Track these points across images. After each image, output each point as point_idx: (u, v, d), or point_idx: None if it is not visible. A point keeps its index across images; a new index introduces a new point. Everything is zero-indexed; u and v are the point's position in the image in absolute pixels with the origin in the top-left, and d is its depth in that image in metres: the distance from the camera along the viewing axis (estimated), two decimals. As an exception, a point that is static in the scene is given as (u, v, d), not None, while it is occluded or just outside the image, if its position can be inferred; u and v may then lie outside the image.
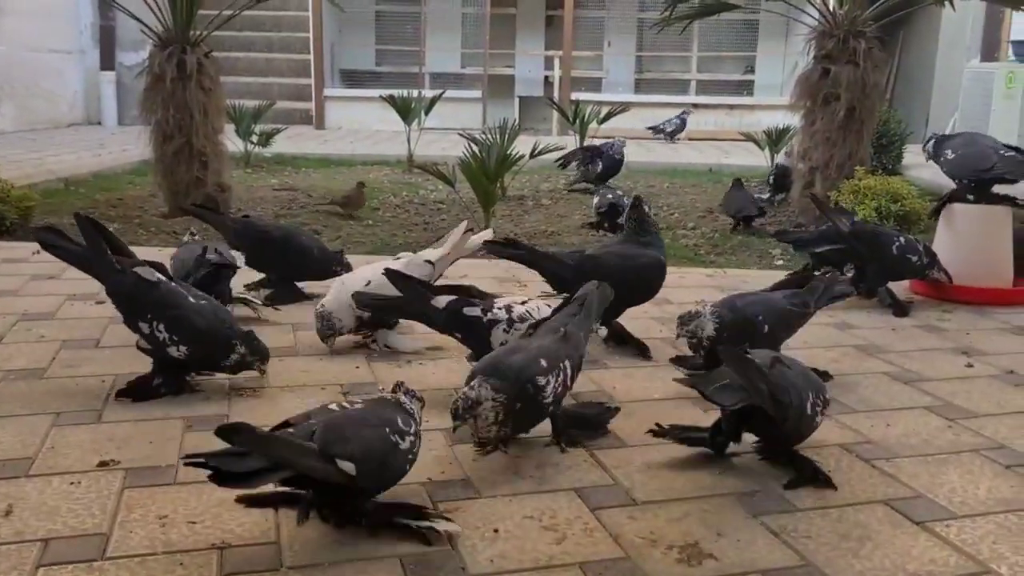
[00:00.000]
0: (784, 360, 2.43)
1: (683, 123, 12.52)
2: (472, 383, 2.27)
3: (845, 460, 2.50)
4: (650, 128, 12.43)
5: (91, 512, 2.08)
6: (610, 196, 6.29)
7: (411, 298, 2.93)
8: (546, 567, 1.92)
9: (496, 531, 2.05)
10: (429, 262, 3.37)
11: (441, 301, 2.91)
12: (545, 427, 2.52)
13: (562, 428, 2.54)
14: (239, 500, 2.11)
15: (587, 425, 2.63)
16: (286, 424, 2.02)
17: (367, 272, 3.38)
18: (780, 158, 8.06)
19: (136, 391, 2.80)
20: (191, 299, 2.81)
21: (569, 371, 2.45)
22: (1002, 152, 4.37)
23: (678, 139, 12.55)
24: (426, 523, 2.00)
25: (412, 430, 2.09)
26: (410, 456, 2.08)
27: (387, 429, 2.02)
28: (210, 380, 2.94)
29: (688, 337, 2.98)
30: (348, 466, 1.90)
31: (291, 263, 4.12)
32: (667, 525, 2.11)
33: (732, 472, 2.40)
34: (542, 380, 2.33)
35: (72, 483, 2.22)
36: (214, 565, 1.89)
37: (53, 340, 3.36)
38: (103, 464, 2.33)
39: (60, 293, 4.05)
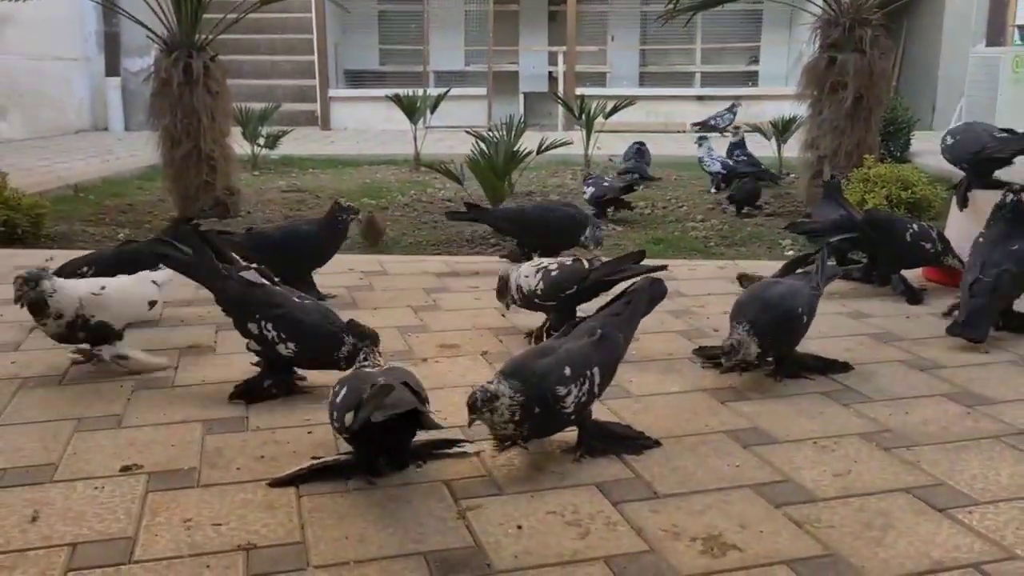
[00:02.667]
0: None
1: (734, 116, 12.10)
2: (493, 379, 2.28)
3: (865, 449, 2.50)
4: (696, 124, 11.83)
5: (116, 516, 2.10)
6: (592, 188, 6.52)
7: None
8: (571, 562, 1.92)
9: (520, 528, 2.06)
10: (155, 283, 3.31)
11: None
12: (568, 433, 2.48)
13: (588, 440, 2.45)
14: (272, 484, 2.23)
15: (618, 445, 2.48)
16: None
17: (102, 280, 3.18)
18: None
19: (248, 392, 2.84)
20: (295, 298, 2.91)
21: (598, 379, 2.39)
22: (995, 134, 4.36)
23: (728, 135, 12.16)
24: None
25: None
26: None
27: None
28: (227, 383, 2.95)
29: (738, 363, 2.89)
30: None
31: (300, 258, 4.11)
32: (689, 517, 2.11)
33: (751, 463, 2.40)
34: (562, 391, 2.29)
35: (96, 488, 2.24)
36: (240, 566, 1.90)
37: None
38: (126, 468, 2.34)
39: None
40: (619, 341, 2.53)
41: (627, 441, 2.50)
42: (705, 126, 11.56)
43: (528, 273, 3.38)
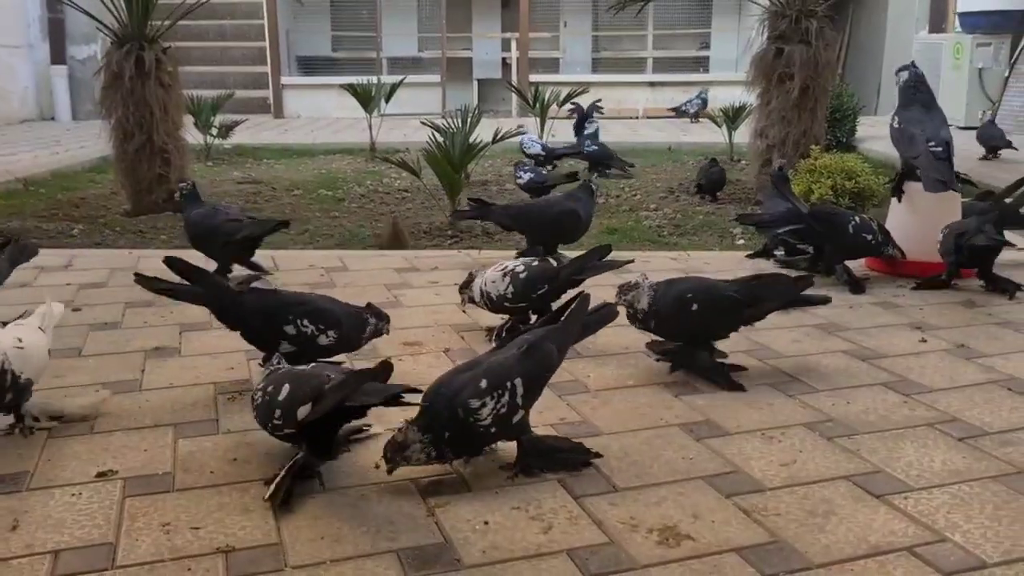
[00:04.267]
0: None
1: (704, 103, 12.48)
2: (400, 426, 2.29)
3: (809, 439, 2.65)
4: (672, 109, 12.69)
5: (96, 523, 2.16)
6: (531, 174, 6.72)
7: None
8: (536, 556, 2.04)
9: (486, 523, 2.16)
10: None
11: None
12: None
13: (524, 457, 2.43)
14: (270, 499, 2.27)
15: (555, 462, 2.45)
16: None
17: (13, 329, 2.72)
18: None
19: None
20: (308, 294, 3.09)
21: (521, 390, 2.35)
22: (930, 146, 4.32)
23: (699, 120, 12.37)
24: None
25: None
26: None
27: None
28: (195, 386, 3.01)
29: (625, 306, 3.08)
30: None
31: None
32: (646, 509, 2.24)
33: (703, 455, 2.54)
34: (475, 403, 2.28)
35: (73, 495, 2.30)
36: (220, 568, 1.98)
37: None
38: (102, 475, 2.40)
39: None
40: (550, 352, 2.48)
41: (566, 455, 2.47)
42: (679, 112, 11.95)
43: (494, 279, 3.44)
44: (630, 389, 3.05)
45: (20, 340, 2.63)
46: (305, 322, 2.90)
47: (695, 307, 3.07)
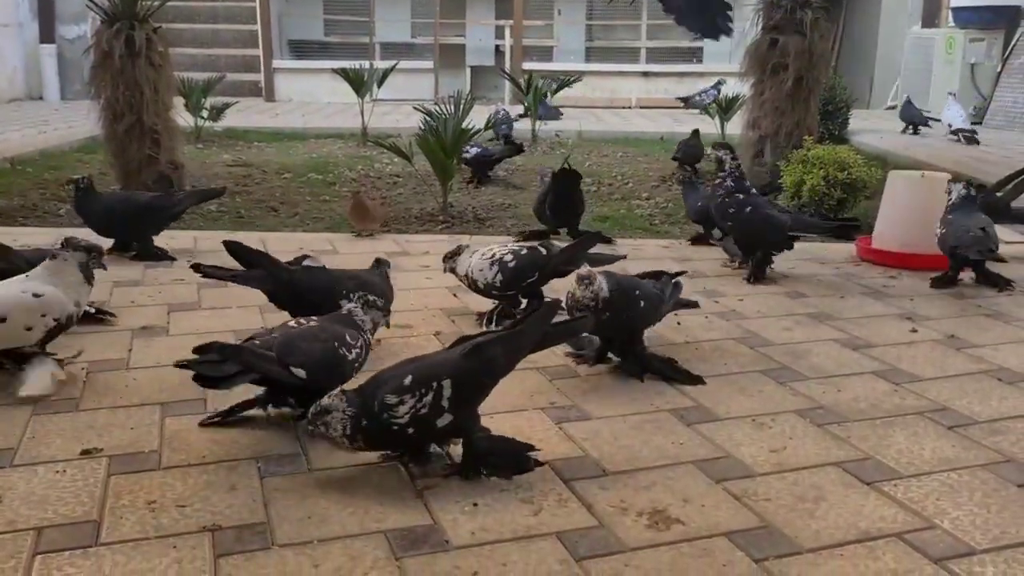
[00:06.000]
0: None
1: (718, 92, 11.99)
2: (333, 392, 2.25)
3: (800, 426, 2.65)
4: (681, 99, 11.73)
5: (80, 500, 2.14)
6: (476, 148, 6.98)
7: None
8: (525, 537, 2.02)
9: (475, 505, 2.15)
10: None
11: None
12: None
13: (466, 461, 2.30)
14: (207, 423, 2.55)
15: (501, 466, 2.32)
16: (251, 339, 2.57)
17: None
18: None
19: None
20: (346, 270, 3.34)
21: (449, 392, 2.20)
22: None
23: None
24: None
25: (359, 343, 2.60)
26: (356, 364, 2.59)
27: (335, 343, 2.54)
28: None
29: (590, 297, 2.90)
30: (300, 372, 2.43)
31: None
32: (636, 493, 2.23)
33: (694, 441, 2.53)
34: (393, 399, 2.17)
35: (57, 472, 2.27)
36: (207, 547, 1.96)
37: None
38: (86, 452, 2.38)
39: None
40: (493, 358, 2.29)
41: (513, 458, 2.33)
42: (690, 102, 11.57)
43: (482, 267, 3.41)
44: (620, 374, 3.04)
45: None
46: (357, 295, 3.03)
47: (642, 304, 3.01)
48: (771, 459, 2.43)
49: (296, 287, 3.10)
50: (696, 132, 7.51)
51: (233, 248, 3.12)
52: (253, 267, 3.14)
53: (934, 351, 3.33)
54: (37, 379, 2.79)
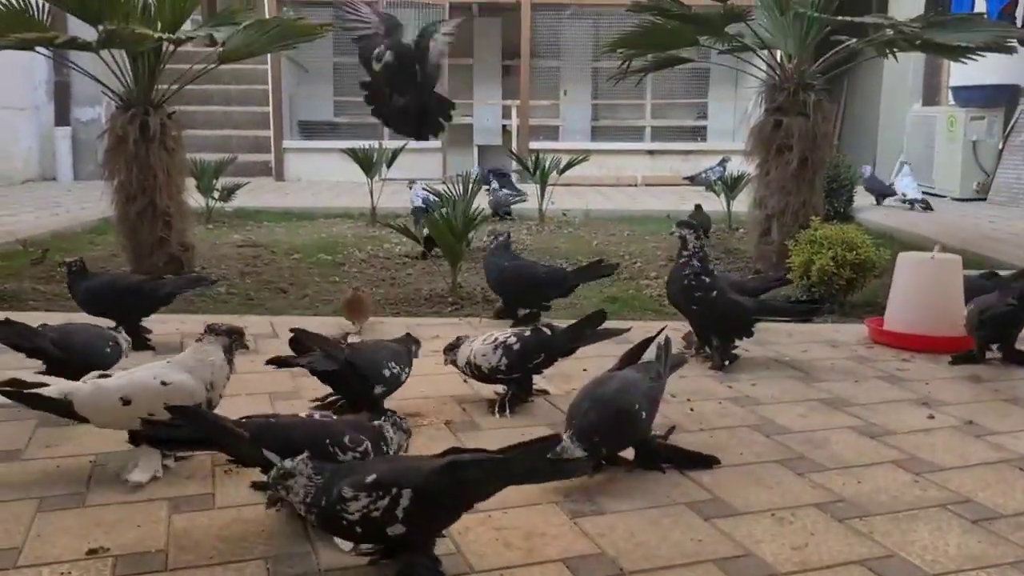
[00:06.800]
0: None
1: (724, 169, 12.06)
2: (302, 456, 2.18)
3: (821, 520, 2.58)
4: (688, 178, 11.71)
5: (84, 604, 2.09)
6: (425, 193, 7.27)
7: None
8: (541, 644, 1.96)
9: (490, 608, 2.09)
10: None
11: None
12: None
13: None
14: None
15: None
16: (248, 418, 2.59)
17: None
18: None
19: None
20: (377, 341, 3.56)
21: (406, 502, 2.07)
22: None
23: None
24: None
25: (360, 448, 2.50)
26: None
27: (327, 440, 2.47)
28: (192, 460, 2.94)
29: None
30: (273, 456, 2.36)
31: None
32: (655, 595, 2.16)
33: (712, 536, 2.47)
34: (349, 493, 2.08)
35: (63, 574, 2.22)
36: (213, 656, 1.90)
37: (28, 419, 3.32)
38: (92, 552, 2.32)
39: (27, 367, 4.00)
40: (471, 482, 2.16)
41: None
42: (696, 179, 11.63)
43: (484, 352, 3.40)
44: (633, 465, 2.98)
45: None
46: (392, 363, 3.22)
47: (644, 415, 2.88)
48: (793, 557, 2.36)
49: (349, 367, 3.14)
50: (699, 207, 7.56)
51: (301, 340, 3.22)
52: (309, 351, 3.19)
53: (952, 438, 3.28)
54: (147, 466, 2.79)
